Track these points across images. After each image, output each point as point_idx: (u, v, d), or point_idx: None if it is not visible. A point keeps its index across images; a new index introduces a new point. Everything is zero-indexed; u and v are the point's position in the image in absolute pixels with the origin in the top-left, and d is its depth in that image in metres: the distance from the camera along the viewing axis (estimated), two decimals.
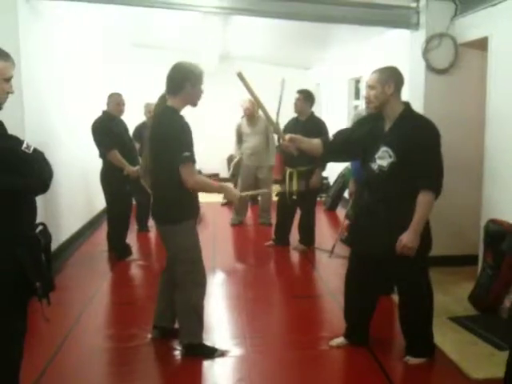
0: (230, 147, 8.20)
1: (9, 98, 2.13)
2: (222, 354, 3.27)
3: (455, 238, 4.75)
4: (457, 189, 4.55)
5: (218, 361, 3.20)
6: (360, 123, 3.31)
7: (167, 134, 2.94)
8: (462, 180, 4.63)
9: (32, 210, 2.14)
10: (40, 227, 2.23)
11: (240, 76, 3.04)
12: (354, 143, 3.12)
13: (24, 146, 1.97)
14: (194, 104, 3.11)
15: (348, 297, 3.33)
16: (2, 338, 2.08)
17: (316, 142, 3.25)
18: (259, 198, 7.33)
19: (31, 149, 1.98)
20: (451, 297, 4.16)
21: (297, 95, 5.52)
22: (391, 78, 2.92)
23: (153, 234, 6.55)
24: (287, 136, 3.18)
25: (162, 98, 3.09)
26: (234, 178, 7.53)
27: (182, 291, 3.17)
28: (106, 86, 6.82)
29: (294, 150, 3.19)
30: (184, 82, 2.99)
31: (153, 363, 3.24)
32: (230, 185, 3.79)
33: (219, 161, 10.35)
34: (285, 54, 9.91)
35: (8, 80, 2.07)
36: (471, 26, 4.51)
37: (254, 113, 6.69)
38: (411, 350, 3.16)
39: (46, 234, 2.23)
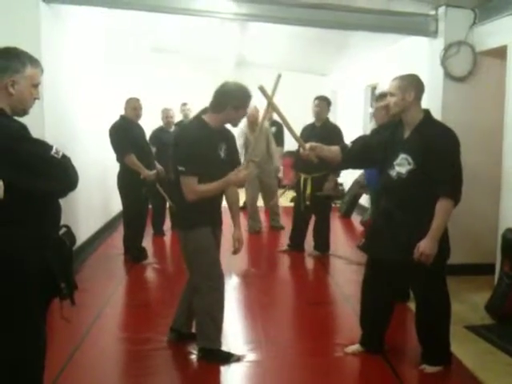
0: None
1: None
2: (238, 359, 3.26)
3: (472, 246, 4.73)
4: (474, 197, 4.53)
5: (234, 366, 3.21)
6: (379, 130, 3.31)
7: (178, 144, 3.02)
8: (479, 188, 4.61)
9: (57, 212, 2.18)
10: (64, 229, 2.27)
11: (261, 89, 3.04)
12: (372, 150, 3.12)
13: (53, 151, 2.01)
14: (235, 125, 3.15)
15: (364, 304, 3.32)
16: (29, 339, 2.11)
17: (335, 149, 3.25)
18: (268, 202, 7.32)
19: (60, 154, 2.02)
20: (468, 305, 4.13)
21: (316, 101, 5.52)
22: (412, 85, 2.92)
23: (168, 237, 6.58)
24: (307, 145, 3.16)
25: (202, 110, 3.13)
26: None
27: (198, 296, 3.19)
28: (125, 90, 6.88)
29: (314, 158, 3.18)
30: (227, 105, 3.01)
31: (168, 367, 3.25)
32: None
33: None
34: (301, 61, 9.95)
35: (36, 86, 2.12)
36: (490, 35, 4.50)
37: (257, 119, 6.66)
38: (427, 357, 3.14)
39: (71, 236, 2.27)
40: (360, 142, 3.28)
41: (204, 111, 3.11)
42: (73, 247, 2.31)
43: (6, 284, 2.00)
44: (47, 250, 2.08)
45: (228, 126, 3.21)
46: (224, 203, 3.30)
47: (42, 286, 2.10)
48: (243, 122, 7.05)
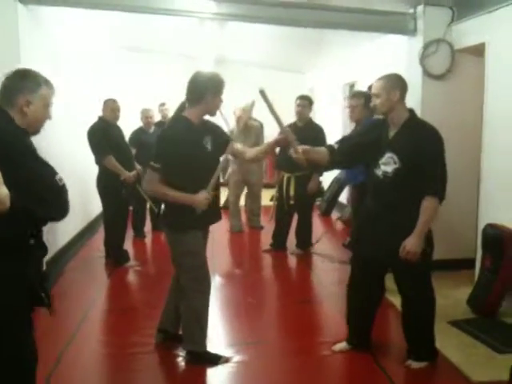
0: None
1: None
2: (226, 360, 3.27)
3: (452, 241, 4.78)
4: (454, 193, 4.52)
5: (222, 368, 3.20)
6: (365, 130, 3.34)
7: (158, 141, 3.04)
8: (458, 184, 4.65)
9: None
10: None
11: (262, 94, 2.98)
12: (358, 150, 3.14)
13: (57, 177, 1.99)
14: (213, 114, 3.12)
15: (350, 302, 3.34)
16: (21, 351, 2.10)
17: (322, 150, 3.24)
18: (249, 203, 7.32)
19: (62, 182, 2.01)
20: (450, 301, 4.19)
21: (298, 101, 5.52)
22: (396, 85, 2.95)
23: (149, 239, 6.55)
24: (300, 148, 3.14)
25: (181, 106, 3.11)
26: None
27: (185, 298, 3.18)
28: (103, 91, 6.81)
29: (304, 160, 3.17)
30: (204, 93, 2.99)
31: (156, 370, 3.24)
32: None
33: None
34: (280, 59, 9.96)
35: (48, 106, 2.17)
36: (468, 32, 4.55)
37: (246, 121, 6.62)
38: (413, 353, 3.18)
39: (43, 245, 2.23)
40: (346, 142, 3.29)
41: (181, 109, 3.10)
42: (44, 256, 2.28)
43: None
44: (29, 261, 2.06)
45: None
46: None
47: (27, 299, 2.08)
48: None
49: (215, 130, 3.23)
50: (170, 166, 2.96)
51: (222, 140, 3.20)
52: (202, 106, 3.02)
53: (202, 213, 3.04)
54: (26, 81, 2.08)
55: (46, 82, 2.15)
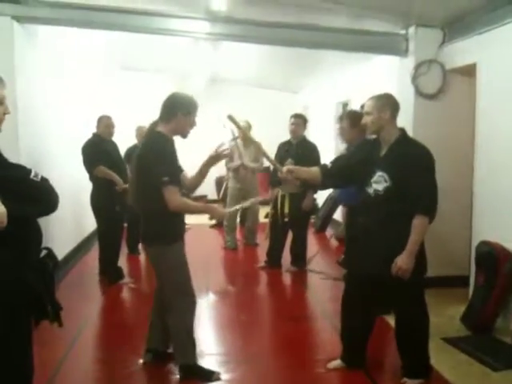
0: (218, 169, 8.23)
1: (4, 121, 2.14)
2: (218, 377, 3.25)
3: (446, 259, 4.80)
4: (447, 211, 4.58)
5: None
6: (356, 149, 3.38)
7: (152, 158, 2.97)
8: (451, 202, 4.70)
9: (39, 234, 2.16)
10: (45, 251, 2.25)
11: (231, 118, 3.21)
12: (351, 169, 3.18)
13: (32, 174, 2.01)
14: (184, 135, 3.15)
15: (345, 318, 3.35)
16: (19, 361, 2.09)
17: (314, 170, 3.29)
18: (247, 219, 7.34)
19: (39, 177, 2.01)
20: (443, 317, 4.20)
21: (292, 119, 5.58)
22: (387, 104, 3.01)
23: (143, 256, 6.53)
24: (284, 168, 3.20)
25: (154, 124, 3.14)
26: (223, 200, 7.55)
27: (173, 313, 3.16)
28: (98, 109, 6.84)
29: (293, 180, 3.21)
30: (176, 112, 3.05)
31: None
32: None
33: (207, 182, 10.32)
34: (274, 78, 10.06)
35: (1, 102, 2.08)
36: (459, 53, 4.63)
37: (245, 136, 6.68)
38: (408, 371, 3.18)
39: (52, 257, 2.25)
40: (339, 162, 3.34)
41: (154, 126, 3.12)
42: (55, 269, 2.29)
43: None
44: (32, 273, 2.06)
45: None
46: None
47: (27, 308, 2.07)
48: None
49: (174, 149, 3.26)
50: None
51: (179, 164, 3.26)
52: (173, 124, 3.07)
53: (181, 224, 3.15)
54: None
55: None
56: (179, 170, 3.19)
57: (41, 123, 5.06)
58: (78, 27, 5.11)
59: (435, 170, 2.97)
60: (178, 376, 3.24)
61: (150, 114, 6.64)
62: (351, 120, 4.30)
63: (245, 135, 3.22)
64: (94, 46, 7.48)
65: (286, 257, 5.93)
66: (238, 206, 3.57)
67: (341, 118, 4.62)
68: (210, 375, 3.24)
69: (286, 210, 5.55)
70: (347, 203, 4.69)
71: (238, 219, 7.51)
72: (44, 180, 2.05)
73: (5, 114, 2.11)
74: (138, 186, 3.10)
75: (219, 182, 9.41)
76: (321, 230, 8.24)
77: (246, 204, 3.67)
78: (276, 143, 5.78)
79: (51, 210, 2.11)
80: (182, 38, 5.87)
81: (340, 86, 8.38)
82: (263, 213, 8.01)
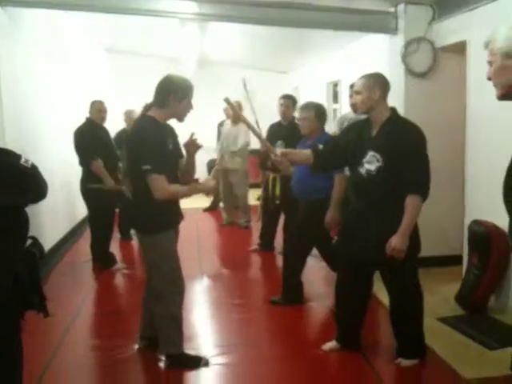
0: (209, 152, 8.19)
1: None
2: (207, 362, 3.23)
3: (439, 238, 4.80)
4: (439, 190, 4.57)
5: (204, 370, 3.18)
6: (347, 130, 3.35)
7: (137, 144, 2.92)
8: (443, 182, 4.68)
9: (26, 223, 2.12)
10: (30, 240, 2.20)
11: (227, 101, 3.14)
12: (342, 150, 3.14)
13: (22, 160, 1.95)
14: (180, 119, 3.08)
15: (339, 302, 3.34)
16: (6, 354, 2.06)
17: (306, 152, 3.26)
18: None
19: (29, 163, 1.96)
20: (438, 297, 4.21)
21: (282, 100, 5.49)
22: (377, 83, 2.96)
23: (135, 242, 6.48)
24: (278, 151, 3.16)
25: (146, 108, 3.07)
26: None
27: (159, 300, 3.12)
28: (87, 93, 6.77)
29: (286, 163, 3.17)
30: (169, 97, 2.96)
31: (139, 375, 3.22)
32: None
33: (199, 166, 10.28)
34: (263, 59, 9.97)
35: None
36: (449, 31, 4.58)
37: (236, 117, 6.71)
38: (403, 351, 3.18)
39: (39, 247, 2.21)
40: (330, 143, 3.30)
41: (147, 109, 3.06)
42: (42, 258, 2.25)
43: None
44: (19, 264, 2.02)
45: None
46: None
47: (15, 300, 2.04)
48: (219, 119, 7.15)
49: (174, 135, 3.19)
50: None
51: (178, 149, 3.21)
52: (167, 109, 3.00)
53: (173, 212, 3.09)
54: None
55: None
56: (173, 156, 3.09)
57: (27, 108, 4.98)
58: (60, 9, 5.02)
59: (427, 148, 2.94)
60: (165, 363, 3.21)
61: (138, 98, 6.59)
62: (317, 111, 4.20)
63: (240, 117, 3.16)
64: (79, 28, 7.36)
65: (279, 240, 5.92)
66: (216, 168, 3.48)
67: (301, 108, 4.38)
68: (198, 361, 3.22)
69: (278, 193, 5.51)
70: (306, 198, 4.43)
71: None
72: (34, 167, 2.00)
73: None
74: (130, 170, 3.04)
75: (211, 166, 9.37)
76: None
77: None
78: (266, 125, 5.73)
79: (40, 198, 2.06)
80: (168, 20, 5.80)
81: (330, 66, 8.32)
82: (255, 195, 8.00)
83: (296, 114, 5.68)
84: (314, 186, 3.98)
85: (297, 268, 4.30)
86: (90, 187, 5.13)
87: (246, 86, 3.10)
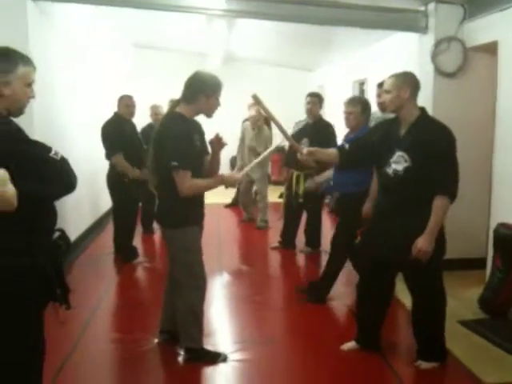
0: (233, 148, 8.20)
1: None
2: (225, 358, 3.25)
3: (463, 241, 4.74)
4: (465, 192, 4.52)
5: (222, 366, 3.19)
6: (374, 129, 3.31)
7: (165, 140, 2.94)
8: (470, 183, 4.62)
9: (54, 216, 2.14)
10: (58, 233, 2.22)
11: (255, 98, 3.08)
12: (369, 149, 3.12)
13: (52, 152, 1.96)
14: (209, 115, 3.09)
15: (361, 301, 3.32)
16: (29, 343, 2.08)
17: (332, 151, 3.25)
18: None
19: (59, 156, 1.97)
20: (460, 300, 4.15)
21: (308, 98, 5.44)
22: (407, 82, 2.92)
23: (158, 235, 6.53)
24: (305, 150, 3.14)
25: (174, 104, 3.09)
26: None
27: (181, 294, 3.15)
28: (115, 87, 6.83)
29: (312, 162, 3.15)
30: (198, 93, 2.98)
31: (157, 369, 3.23)
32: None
33: (222, 162, 10.31)
34: (289, 56, 9.94)
35: (30, 85, 2.06)
36: (480, 30, 4.52)
37: (258, 121, 6.85)
38: (423, 354, 3.15)
39: (65, 239, 2.23)
40: (357, 143, 3.27)
41: (175, 105, 3.07)
42: (68, 251, 2.27)
43: (2, 292, 1.97)
44: (42, 256, 2.03)
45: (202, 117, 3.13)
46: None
47: (39, 291, 2.06)
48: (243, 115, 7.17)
49: (201, 132, 3.20)
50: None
51: (204, 146, 3.21)
52: (195, 105, 3.01)
53: (198, 207, 3.11)
54: (0, 61, 1.97)
55: (24, 60, 2.02)
56: (199, 152, 3.09)
57: (56, 102, 5.05)
58: (91, 4, 5.06)
59: (456, 149, 2.89)
60: (184, 357, 3.24)
61: (164, 93, 6.64)
62: (363, 105, 4.16)
63: (268, 114, 3.14)
64: (108, 24, 7.43)
65: (301, 238, 5.90)
66: (252, 164, 3.47)
67: (347, 103, 4.33)
68: (217, 357, 3.24)
69: (301, 191, 5.49)
70: (342, 191, 4.39)
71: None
72: (63, 159, 2.02)
73: (29, 97, 2.09)
74: (157, 165, 3.06)
75: (234, 163, 9.38)
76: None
77: (260, 158, 3.59)
78: (291, 122, 5.70)
79: (69, 191, 2.06)
80: (196, 16, 5.81)
81: (357, 64, 8.25)
82: (277, 193, 7.99)
83: (321, 112, 5.67)
84: (352, 180, 3.93)
85: (339, 269, 4.28)
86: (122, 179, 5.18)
87: (258, 99, 3.07)
